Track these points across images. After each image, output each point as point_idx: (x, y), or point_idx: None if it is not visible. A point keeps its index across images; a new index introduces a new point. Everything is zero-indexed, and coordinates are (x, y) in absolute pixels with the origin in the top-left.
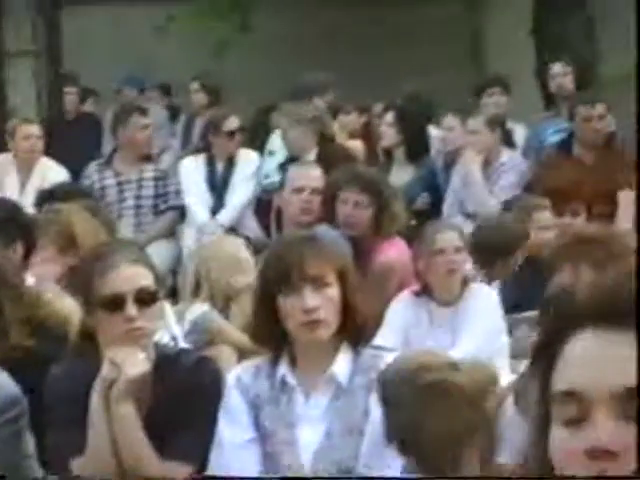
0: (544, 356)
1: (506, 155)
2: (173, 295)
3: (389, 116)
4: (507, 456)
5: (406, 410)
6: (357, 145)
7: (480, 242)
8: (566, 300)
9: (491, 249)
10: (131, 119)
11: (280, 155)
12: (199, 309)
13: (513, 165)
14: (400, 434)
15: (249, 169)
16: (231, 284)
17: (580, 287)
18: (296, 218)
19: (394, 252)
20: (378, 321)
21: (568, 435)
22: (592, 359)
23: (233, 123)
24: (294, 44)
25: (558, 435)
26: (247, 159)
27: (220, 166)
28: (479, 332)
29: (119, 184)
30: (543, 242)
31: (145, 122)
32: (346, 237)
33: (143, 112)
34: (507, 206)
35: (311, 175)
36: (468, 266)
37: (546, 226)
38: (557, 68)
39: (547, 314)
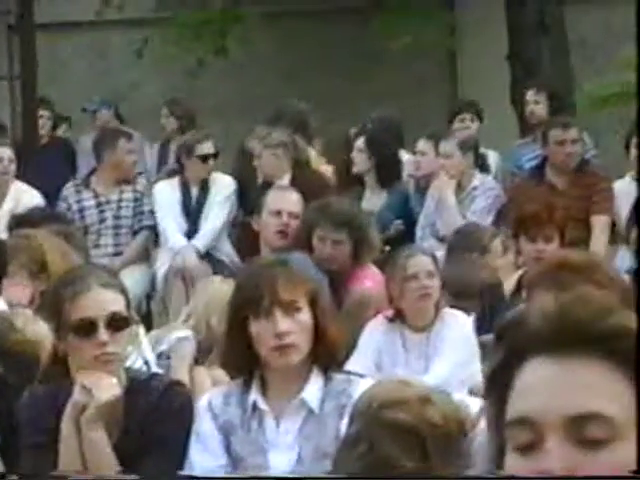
0: (497, 384)
1: (479, 179)
2: (147, 319)
3: (360, 142)
4: None
5: (377, 448)
6: (329, 170)
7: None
8: (519, 327)
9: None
10: (118, 143)
11: None
12: (181, 333)
13: (486, 189)
14: (370, 472)
15: (223, 193)
16: (213, 328)
17: (533, 312)
18: (273, 241)
19: (370, 281)
20: (352, 350)
21: (522, 462)
22: (544, 386)
23: (207, 148)
24: (267, 68)
25: (512, 462)
26: (221, 183)
27: (194, 190)
28: (452, 358)
29: (99, 205)
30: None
31: (131, 147)
32: (323, 269)
33: (129, 137)
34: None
35: (289, 199)
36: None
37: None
38: (530, 95)
39: (501, 341)
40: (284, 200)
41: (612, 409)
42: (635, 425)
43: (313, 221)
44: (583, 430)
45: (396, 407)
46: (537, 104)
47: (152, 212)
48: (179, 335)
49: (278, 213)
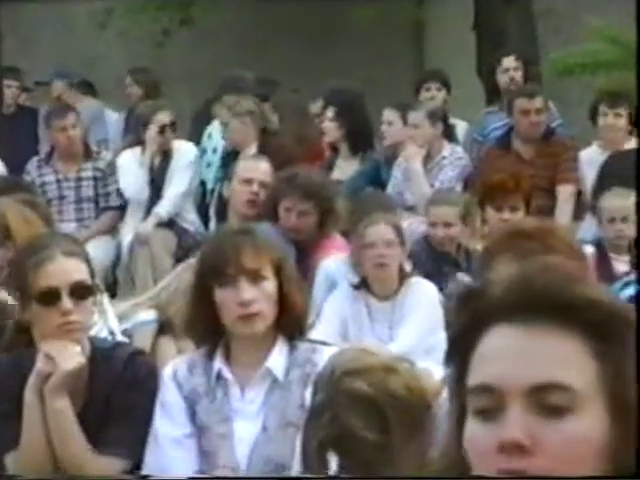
0: (459, 350)
1: (447, 149)
2: (113, 289)
3: (330, 111)
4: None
5: (340, 417)
6: None
7: None
8: (483, 293)
9: None
10: (60, 119)
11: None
12: (145, 316)
13: (454, 159)
14: (334, 441)
15: (185, 160)
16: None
17: (498, 280)
18: (242, 209)
19: (335, 250)
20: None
21: (482, 429)
22: (507, 353)
23: (164, 117)
24: (233, 37)
25: (472, 428)
26: (183, 151)
27: (156, 158)
28: (417, 327)
29: (58, 181)
30: (449, 237)
31: (64, 124)
32: (289, 239)
33: (72, 110)
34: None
35: (260, 168)
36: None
37: (449, 222)
38: (508, 62)
39: (464, 308)
40: (255, 169)
41: (574, 379)
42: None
43: (280, 192)
44: (545, 399)
45: (359, 376)
46: (516, 71)
47: (118, 192)
48: (143, 319)
49: (249, 182)
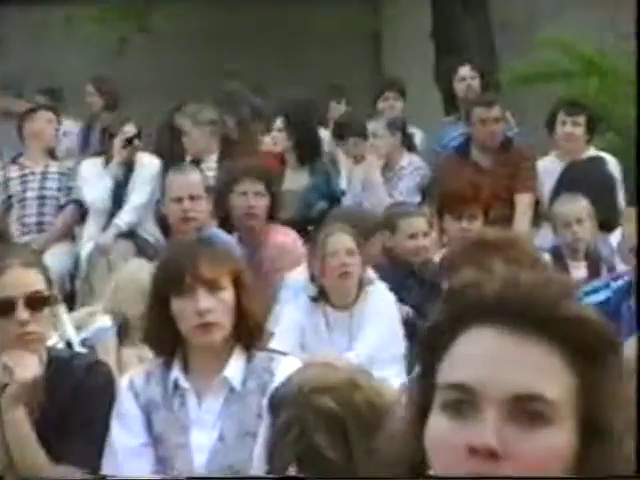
0: (434, 345)
1: (407, 159)
2: (71, 299)
3: (278, 121)
4: None
5: (306, 435)
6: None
7: None
8: (470, 295)
9: None
10: (36, 114)
11: None
12: (101, 323)
13: (413, 169)
14: (300, 459)
15: (148, 173)
16: (136, 315)
17: (491, 283)
18: (178, 227)
19: (284, 236)
20: (271, 305)
21: (451, 426)
22: (488, 356)
23: (129, 130)
24: (192, 45)
25: (439, 424)
26: (146, 163)
27: (119, 170)
28: (376, 336)
29: (23, 176)
30: (416, 249)
31: (50, 117)
32: (243, 228)
33: (49, 108)
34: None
35: (189, 182)
36: (362, 269)
37: (416, 233)
38: (464, 71)
39: (446, 304)
40: (183, 185)
41: (554, 393)
42: (635, 425)
43: (230, 180)
44: (523, 409)
45: (326, 393)
46: (473, 79)
47: (80, 188)
48: (100, 326)
49: (179, 200)
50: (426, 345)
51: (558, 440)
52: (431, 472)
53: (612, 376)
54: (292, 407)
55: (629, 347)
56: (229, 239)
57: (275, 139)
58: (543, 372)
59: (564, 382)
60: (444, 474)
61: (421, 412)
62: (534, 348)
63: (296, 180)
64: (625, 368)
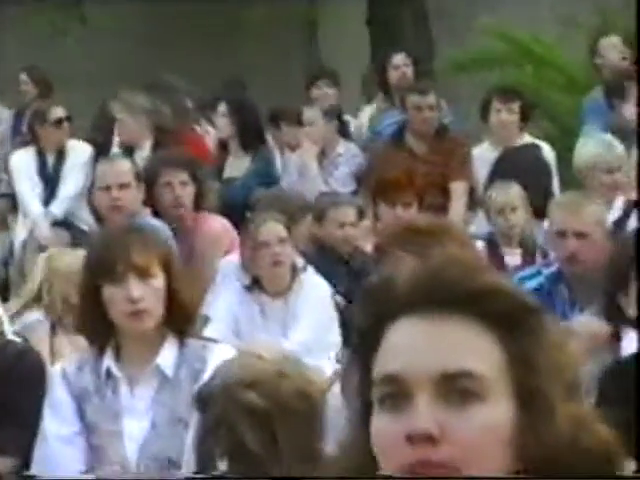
0: (365, 344)
1: (342, 146)
2: (5, 288)
3: (221, 107)
4: (333, 445)
5: (234, 431)
6: None
7: None
8: (388, 287)
9: None
10: None
11: None
12: (32, 317)
13: (349, 156)
14: (229, 454)
15: (79, 160)
16: (69, 301)
17: (402, 274)
18: (108, 216)
19: (216, 224)
20: (204, 295)
21: (389, 421)
22: (413, 344)
23: (58, 112)
24: (128, 37)
25: (379, 421)
26: (77, 150)
27: (50, 158)
28: (310, 323)
29: None
30: (345, 238)
31: None
32: (172, 218)
33: None
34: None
35: (118, 171)
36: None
37: (344, 223)
38: (398, 59)
39: (369, 302)
40: (112, 173)
41: (482, 368)
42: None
43: (154, 171)
44: (452, 388)
45: (251, 387)
46: (406, 67)
47: (9, 182)
48: (31, 319)
49: (107, 188)
50: (357, 346)
51: (493, 415)
52: (381, 466)
53: (539, 344)
54: (218, 404)
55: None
56: (161, 226)
57: (218, 125)
58: (469, 348)
59: (492, 356)
60: (391, 469)
61: (365, 409)
62: (456, 326)
63: (239, 167)
64: (560, 338)
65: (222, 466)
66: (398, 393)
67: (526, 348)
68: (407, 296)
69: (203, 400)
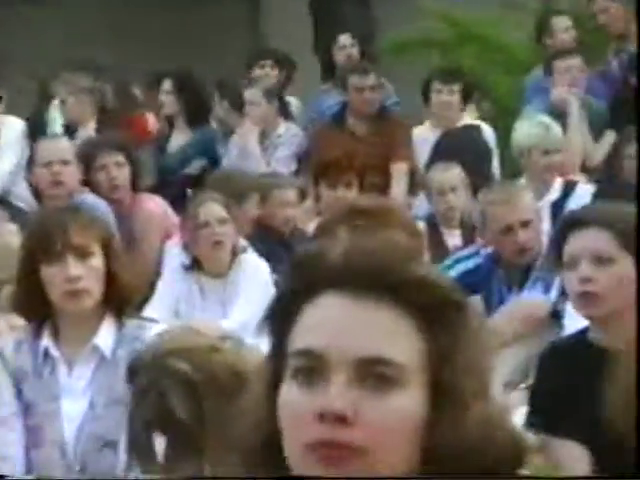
0: (284, 313)
1: (283, 127)
2: None
3: (167, 84)
4: None
5: (163, 398)
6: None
7: None
8: (318, 259)
9: None
10: None
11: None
12: None
13: (290, 137)
14: (159, 421)
15: (12, 135)
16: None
17: (335, 249)
18: (48, 192)
19: (152, 204)
20: (145, 279)
21: (301, 394)
22: (336, 322)
23: None
24: (70, 15)
25: (290, 393)
26: (9, 125)
27: None
28: (249, 304)
29: None
30: (285, 219)
31: None
32: (110, 200)
33: None
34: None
35: (59, 147)
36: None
37: (285, 203)
38: (344, 39)
39: (294, 272)
40: (53, 150)
41: (400, 356)
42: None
43: (91, 153)
44: (369, 372)
45: (182, 356)
46: (352, 47)
47: None
48: None
49: (48, 164)
50: (275, 314)
51: (407, 403)
52: (284, 440)
53: (460, 340)
54: (148, 372)
55: (499, 317)
56: (101, 205)
57: (163, 101)
58: (390, 335)
59: (412, 345)
60: (295, 444)
61: (274, 381)
62: (381, 312)
63: (183, 142)
64: (482, 336)
65: (159, 442)
66: (314, 369)
67: (446, 342)
68: (337, 271)
69: (134, 370)
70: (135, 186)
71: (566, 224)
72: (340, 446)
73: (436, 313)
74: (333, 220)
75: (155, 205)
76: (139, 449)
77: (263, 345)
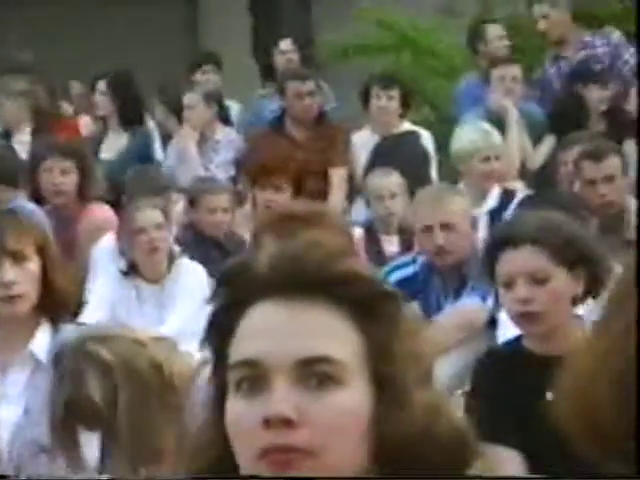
0: (220, 328)
1: (222, 132)
2: None
3: (102, 84)
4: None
5: (81, 381)
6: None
7: None
8: (246, 270)
9: None
10: None
11: None
12: None
13: (228, 141)
14: (75, 405)
15: None
16: None
17: (261, 257)
18: None
19: (100, 213)
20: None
21: (245, 405)
22: (271, 329)
23: None
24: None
25: (235, 406)
26: None
27: None
28: (186, 309)
29: None
30: (216, 224)
31: None
32: (52, 206)
33: None
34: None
35: None
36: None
37: (215, 209)
38: (285, 45)
39: (226, 285)
40: None
41: (340, 353)
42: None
43: (37, 157)
44: (310, 372)
45: (103, 343)
46: (293, 53)
47: None
48: None
49: None
50: (212, 330)
51: (350, 400)
52: (236, 455)
53: (395, 331)
54: (68, 356)
55: (437, 324)
56: (35, 210)
57: (98, 102)
58: (326, 334)
59: (349, 341)
60: (246, 454)
61: (220, 397)
62: (314, 312)
63: (117, 144)
64: (417, 325)
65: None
66: (255, 377)
67: (382, 335)
68: (265, 280)
69: (57, 357)
70: (83, 194)
71: (498, 241)
72: (289, 449)
73: (368, 306)
74: (265, 226)
75: (101, 214)
76: (59, 439)
77: (196, 352)
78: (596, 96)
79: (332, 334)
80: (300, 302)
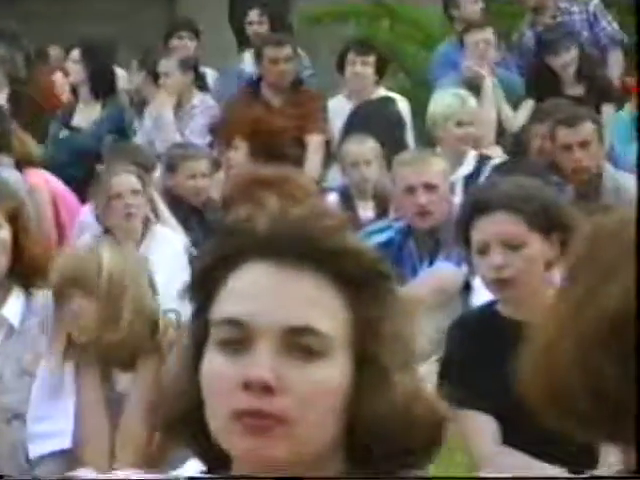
0: (208, 280)
1: (198, 98)
2: None
3: (75, 52)
4: None
5: None
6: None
7: None
8: (245, 228)
9: None
10: None
11: None
12: None
13: (205, 108)
14: None
15: None
16: None
17: (262, 218)
18: None
19: (38, 178)
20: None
21: (225, 363)
22: (262, 291)
23: None
24: None
25: (214, 362)
26: None
27: None
28: (162, 273)
29: None
30: (196, 190)
31: None
32: None
33: None
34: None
35: None
36: (148, 209)
37: (194, 174)
38: (253, 15)
39: (221, 238)
40: None
41: (326, 326)
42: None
43: None
44: (295, 342)
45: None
46: (260, 25)
47: None
48: None
49: None
50: (199, 282)
51: (332, 373)
52: (207, 410)
53: (385, 311)
54: None
55: (411, 287)
56: (13, 176)
57: (70, 70)
58: (316, 305)
59: (337, 315)
60: (219, 414)
61: (197, 349)
62: (307, 281)
63: (88, 113)
64: (407, 306)
65: None
66: (239, 337)
67: (372, 314)
68: (262, 240)
69: None
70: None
71: (472, 207)
72: (264, 415)
73: (362, 283)
74: (235, 191)
75: (41, 179)
76: None
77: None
78: (559, 63)
79: (321, 306)
80: (293, 269)
